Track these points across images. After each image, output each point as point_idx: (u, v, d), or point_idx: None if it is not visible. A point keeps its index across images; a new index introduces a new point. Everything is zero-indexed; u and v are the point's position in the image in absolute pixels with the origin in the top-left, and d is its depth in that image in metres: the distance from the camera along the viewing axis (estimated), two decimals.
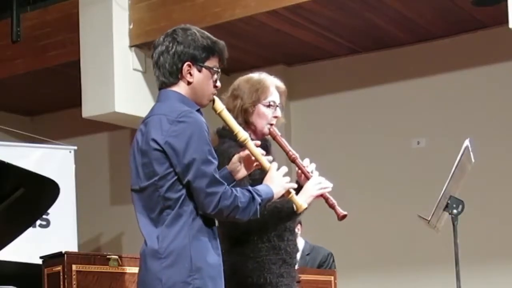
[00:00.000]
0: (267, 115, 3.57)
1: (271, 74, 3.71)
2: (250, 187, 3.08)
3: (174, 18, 6.84)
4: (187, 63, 3.04)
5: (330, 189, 3.53)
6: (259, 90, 3.57)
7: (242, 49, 7.59)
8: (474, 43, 7.45)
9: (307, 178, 3.54)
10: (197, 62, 3.05)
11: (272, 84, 3.63)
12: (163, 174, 2.93)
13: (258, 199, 3.03)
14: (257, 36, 7.33)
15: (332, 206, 3.51)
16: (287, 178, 3.22)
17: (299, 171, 3.59)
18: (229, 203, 2.93)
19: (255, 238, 3.48)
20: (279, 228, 3.52)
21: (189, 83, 3.05)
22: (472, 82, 7.49)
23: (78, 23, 7.22)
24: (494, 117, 7.34)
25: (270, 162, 3.21)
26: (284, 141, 3.57)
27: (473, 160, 4.87)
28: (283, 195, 3.24)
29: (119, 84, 7.04)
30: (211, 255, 2.96)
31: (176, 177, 2.92)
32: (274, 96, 3.60)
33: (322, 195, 3.50)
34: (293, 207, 3.43)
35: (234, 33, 7.07)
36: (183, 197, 2.93)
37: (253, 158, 3.21)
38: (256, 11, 6.68)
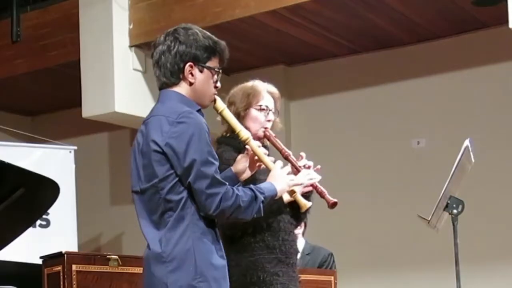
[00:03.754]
0: (260, 119, 3.64)
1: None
2: (252, 186, 3.07)
3: (174, 18, 6.84)
4: (189, 63, 3.01)
5: (319, 178, 3.57)
6: (250, 95, 3.64)
7: (242, 49, 7.58)
8: (474, 43, 7.44)
9: (298, 171, 3.58)
10: (199, 62, 3.02)
11: (264, 89, 3.71)
12: (163, 176, 2.89)
13: (261, 196, 3.01)
14: (257, 36, 7.32)
15: (321, 194, 3.57)
16: (292, 176, 3.22)
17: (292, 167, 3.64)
18: (230, 203, 2.91)
19: (249, 237, 3.52)
20: (272, 228, 3.55)
21: (190, 83, 3.02)
22: (472, 82, 7.48)
23: (78, 23, 7.21)
24: (494, 117, 7.33)
25: (273, 162, 3.23)
26: (277, 141, 3.63)
27: (473, 160, 4.87)
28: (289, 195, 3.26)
29: (119, 84, 7.03)
30: (215, 257, 2.94)
31: (177, 179, 2.89)
32: (266, 101, 3.67)
33: (311, 185, 3.56)
34: (282, 199, 3.48)
35: (234, 33, 7.06)
36: (184, 199, 2.90)
37: (256, 158, 3.21)
38: (256, 11, 6.67)
